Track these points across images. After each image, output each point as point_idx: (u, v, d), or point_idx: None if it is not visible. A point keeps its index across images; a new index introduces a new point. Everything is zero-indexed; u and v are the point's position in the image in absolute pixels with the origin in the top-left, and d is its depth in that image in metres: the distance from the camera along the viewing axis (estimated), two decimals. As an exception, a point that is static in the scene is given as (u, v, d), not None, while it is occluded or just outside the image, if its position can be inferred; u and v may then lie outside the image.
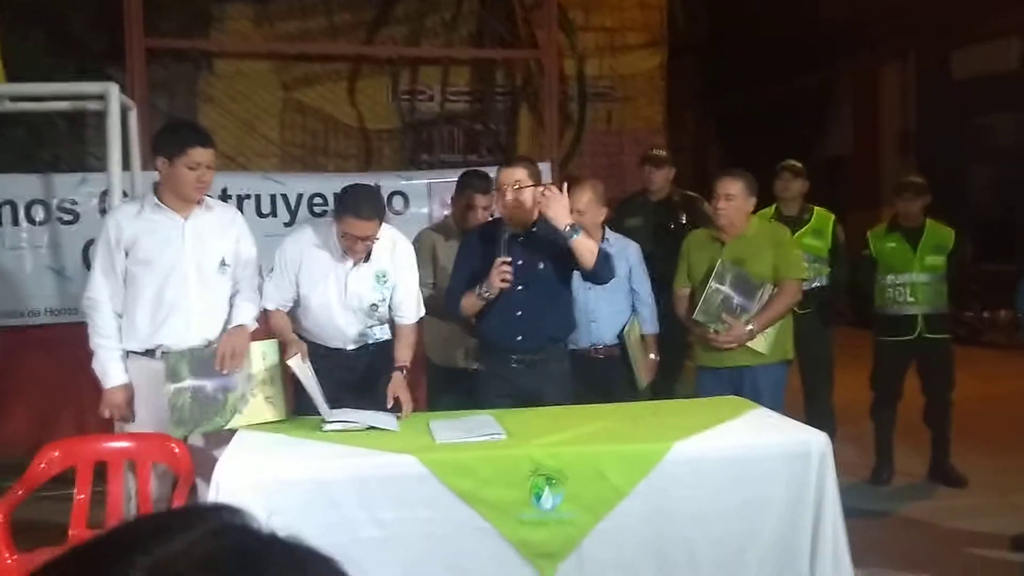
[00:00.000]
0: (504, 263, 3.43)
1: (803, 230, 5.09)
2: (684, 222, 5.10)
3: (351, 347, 3.57)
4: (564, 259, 3.53)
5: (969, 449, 5.35)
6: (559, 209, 3.42)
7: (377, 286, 3.49)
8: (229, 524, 0.54)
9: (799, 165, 5.24)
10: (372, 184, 3.58)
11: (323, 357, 3.45)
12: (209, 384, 3.28)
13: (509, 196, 3.49)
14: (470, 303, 3.59)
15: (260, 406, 3.33)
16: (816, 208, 5.22)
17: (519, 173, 3.50)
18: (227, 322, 3.42)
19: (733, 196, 4.06)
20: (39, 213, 5.10)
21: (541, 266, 3.57)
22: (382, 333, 3.59)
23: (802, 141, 12.83)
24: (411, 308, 3.57)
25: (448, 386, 4.25)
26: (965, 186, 11.88)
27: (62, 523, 3.12)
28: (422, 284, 3.73)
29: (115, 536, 0.52)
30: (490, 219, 4.04)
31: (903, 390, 5.19)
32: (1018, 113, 11.49)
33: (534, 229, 3.57)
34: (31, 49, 5.58)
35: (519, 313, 3.56)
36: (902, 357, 5.12)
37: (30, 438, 4.44)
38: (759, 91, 14.10)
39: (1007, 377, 8.18)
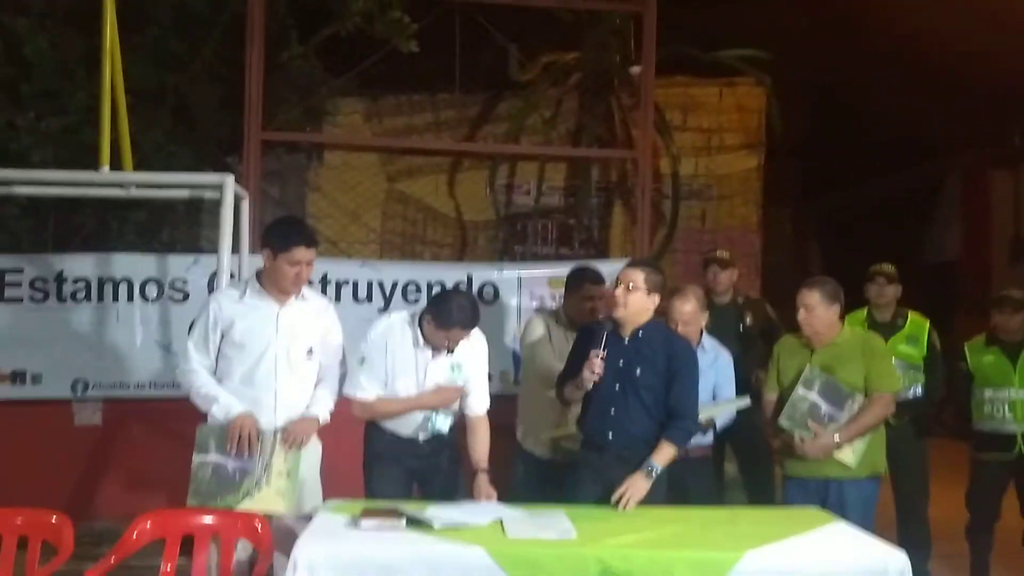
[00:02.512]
0: (596, 355, 3.54)
1: (897, 336, 4.95)
2: (749, 323, 5.06)
3: (422, 437, 3.71)
4: (661, 375, 3.62)
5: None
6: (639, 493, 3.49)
7: (452, 375, 3.66)
8: None
9: (893, 270, 5.13)
10: (467, 291, 3.78)
11: (393, 443, 3.64)
12: (231, 464, 3.45)
13: (619, 292, 3.64)
14: (569, 391, 3.76)
15: (270, 496, 3.46)
16: (911, 313, 5.07)
17: (637, 276, 3.63)
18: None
19: (812, 307, 4.03)
20: (152, 291, 5.43)
21: (638, 372, 3.63)
22: (445, 423, 3.75)
23: (906, 242, 12.55)
24: (482, 399, 3.75)
25: (537, 473, 4.31)
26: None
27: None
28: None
29: None
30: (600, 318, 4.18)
31: (1001, 511, 4.94)
32: None
33: (639, 334, 3.67)
34: (156, 134, 6.01)
35: (612, 411, 3.64)
36: (1000, 476, 4.88)
37: (126, 506, 4.63)
38: (860, 191, 13.91)
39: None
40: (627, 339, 3.67)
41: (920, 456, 5.01)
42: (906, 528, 4.83)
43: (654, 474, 3.49)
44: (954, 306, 10.82)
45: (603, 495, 3.54)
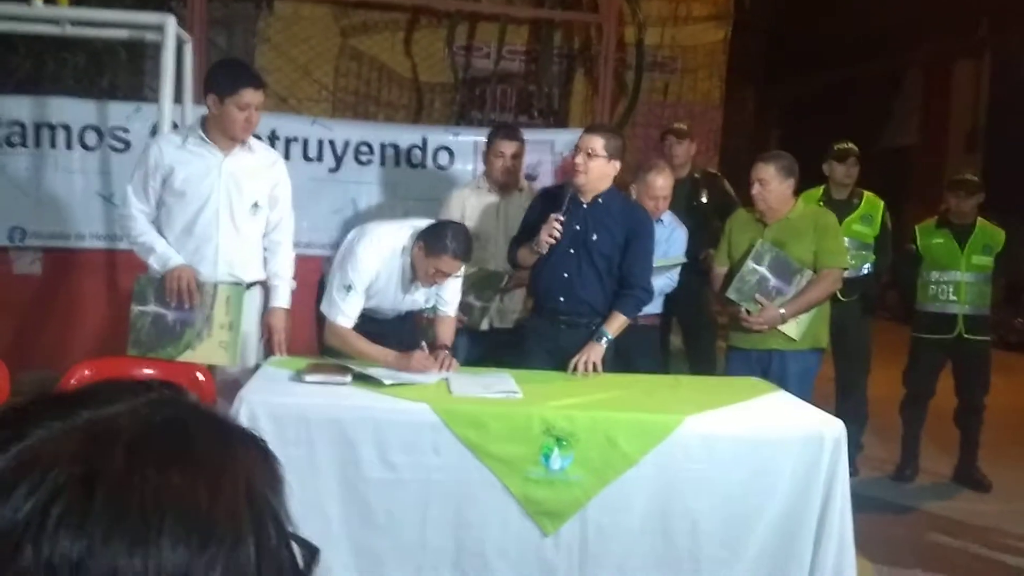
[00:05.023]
0: (556, 219, 3.49)
1: (852, 216, 4.94)
2: (705, 200, 5.01)
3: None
4: (617, 243, 3.59)
5: (999, 455, 5.26)
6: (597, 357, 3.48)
7: (429, 292, 3.57)
8: (172, 398, 0.59)
9: (856, 150, 5.08)
10: (461, 225, 3.59)
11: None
12: (170, 314, 3.38)
13: (579, 159, 3.55)
14: (524, 255, 3.71)
15: (212, 348, 3.40)
16: (866, 193, 5.05)
17: (596, 143, 3.54)
18: (257, 263, 3.55)
19: (766, 181, 3.98)
20: (92, 139, 5.19)
21: (595, 237, 3.60)
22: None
23: (865, 129, 12.55)
24: (455, 302, 3.66)
25: (471, 347, 4.30)
26: (1030, 190, 11.53)
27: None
28: None
29: (73, 393, 0.58)
30: (560, 183, 4.10)
31: (936, 389, 5.11)
32: (1093, 119, 11.10)
33: (599, 200, 3.61)
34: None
35: (565, 275, 3.63)
36: (938, 356, 5.03)
37: (67, 358, 4.56)
38: (823, 76, 13.79)
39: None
40: (586, 204, 3.61)
41: (864, 332, 5.10)
42: (844, 401, 4.96)
43: (605, 342, 3.50)
44: (907, 193, 10.93)
45: (552, 363, 3.55)
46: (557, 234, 3.50)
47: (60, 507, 0.50)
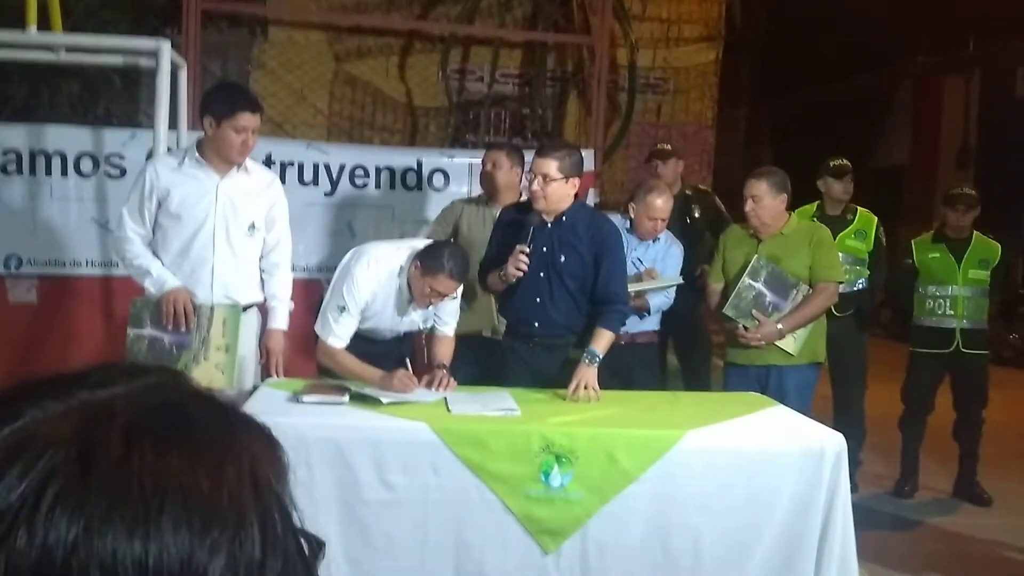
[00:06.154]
0: (521, 251, 3.43)
1: (846, 231, 4.96)
2: (697, 216, 5.03)
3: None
4: (587, 260, 3.53)
5: (999, 470, 5.25)
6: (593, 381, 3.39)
7: (427, 312, 3.55)
8: (172, 382, 0.58)
9: (851, 167, 5.10)
10: (459, 246, 3.60)
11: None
12: (167, 337, 3.37)
13: (535, 186, 3.47)
14: (493, 282, 3.64)
15: (209, 371, 3.36)
16: (860, 209, 5.07)
17: (550, 166, 3.44)
18: (254, 285, 3.56)
19: (759, 197, 4.00)
20: (87, 166, 5.20)
21: (563, 259, 3.54)
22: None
23: (857, 146, 12.63)
24: (453, 323, 3.64)
25: (468, 355, 4.30)
26: (1023, 207, 11.60)
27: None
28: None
29: (69, 374, 0.56)
30: (523, 200, 4.06)
31: (934, 404, 5.10)
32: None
33: (563, 219, 3.55)
34: (90, 1, 5.68)
35: (538, 299, 3.57)
36: (936, 370, 5.02)
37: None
38: (814, 93, 13.89)
39: (1048, 402, 7.98)
40: (551, 225, 3.54)
41: (860, 348, 5.09)
42: (842, 416, 4.94)
43: (596, 361, 3.44)
44: (899, 210, 10.98)
45: (533, 384, 3.50)
46: (524, 267, 3.44)
47: (55, 488, 0.48)
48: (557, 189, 3.46)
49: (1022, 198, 11.59)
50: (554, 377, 3.52)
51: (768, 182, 4.02)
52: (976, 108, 12.88)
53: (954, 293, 4.92)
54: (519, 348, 3.67)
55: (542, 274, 3.52)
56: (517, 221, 3.59)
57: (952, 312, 4.92)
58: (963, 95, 13.07)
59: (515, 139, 7.57)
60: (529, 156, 4.67)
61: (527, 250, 3.44)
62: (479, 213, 4.37)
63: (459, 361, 4.25)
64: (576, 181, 3.53)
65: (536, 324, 3.59)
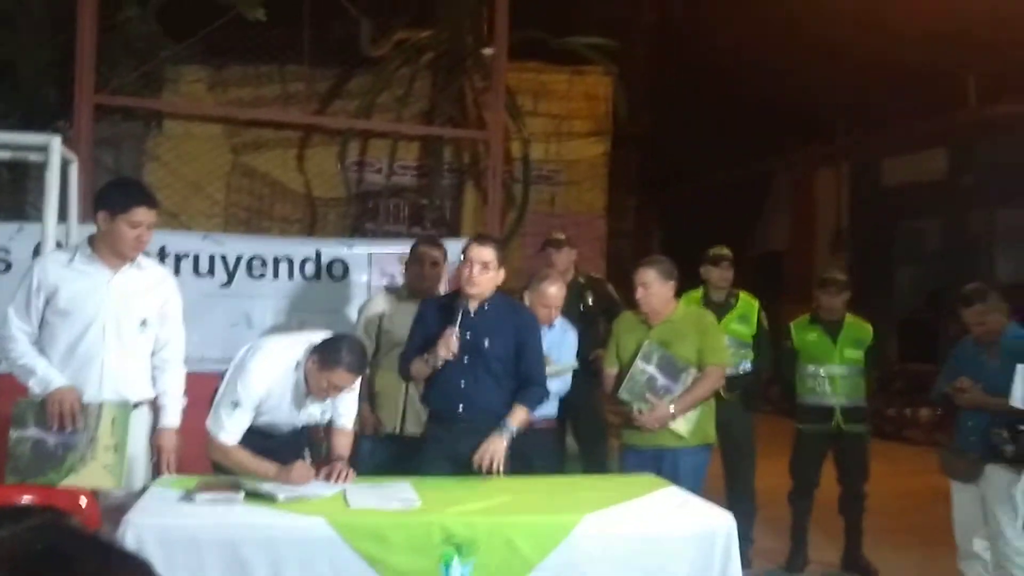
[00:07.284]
0: (452, 335, 3.54)
1: (729, 315, 5.22)
2: (591, 303, 5.21)
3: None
4: (510, 345, 3.68)
5: (884, 542, 5.46)
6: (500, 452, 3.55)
7: (325, 405, 3.55)
8: (55, 524, 0.59)
9: (731, 253, 5.39)
10: (357, 339, 3.63)
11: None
12: (51, 439, 3.25)
13: (475, 273, 3.60)
14: (418, 368, 3.71)
15: (97, 472, 3.26)
16: (742, 293, 5.36)
17: (488, 255, 3.63)
18: (145, 382, 3.49)
19: (648, 284, 4.20)
20: (-29, 260, 5.04)
21: (487, 344, 3.66)
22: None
23: (740, 231, 13.27)
24: (352, 416, 3.64)
25: (375, 448, 4.31)
26: (893, 286, 12.36)
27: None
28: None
29: None
30: (447, 292, 4.20)
31: (820, 479, 5.31)
32: (943, 219, 12.05)
33: (486, 307, 3.69)
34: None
35: (462, 384, 3.66)
36: (820, 446, 5.25)
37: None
38: (700, 182, 14.61)
39: (926, 473, 8.23)
40: (474, 312, 3.69)
41: (747, 427, 5.31)
42: (733, 493, 5.12)
43: (507, 434, 3.55)
44: (780, 292, 11.51)
45: (452, 470, 3.56)
46: (455, 348, 3.55)
47: None
48: (492, 278, 3.65)
49: (891, 279, 12.35)
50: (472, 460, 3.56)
51: (656, 270, 4.21)
52: (847, 196, 13.74)
53: (832, 372, 5.19)
54: (442, 434, 3.72)
55: (466, 359, 3.63)
56: (443, 308, 3.73)
57: (831, 390, 5.18)
58: (834, 184, 13.94)
59: (414, 228, 7.69)
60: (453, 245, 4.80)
61: (458, 332, 3.54)
62: (399, 307, 4.42)
63: (366, 458, 4.27)
64: (503, 272, 3.72)
65: (461, 408, 3.66)
